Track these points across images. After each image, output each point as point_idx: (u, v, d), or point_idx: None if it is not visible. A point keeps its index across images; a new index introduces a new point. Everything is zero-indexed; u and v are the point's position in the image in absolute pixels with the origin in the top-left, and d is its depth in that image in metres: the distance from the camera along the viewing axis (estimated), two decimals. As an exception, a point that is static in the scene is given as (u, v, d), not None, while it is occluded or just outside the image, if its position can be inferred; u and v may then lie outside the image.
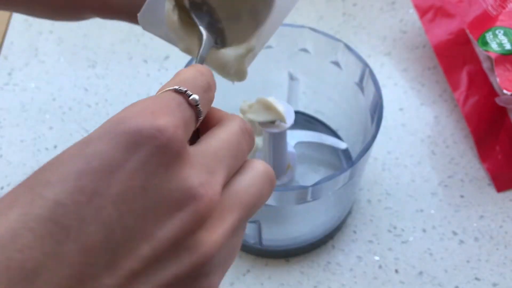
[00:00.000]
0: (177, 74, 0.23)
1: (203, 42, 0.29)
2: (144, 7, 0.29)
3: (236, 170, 0.22)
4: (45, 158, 0.52)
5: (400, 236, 0.46)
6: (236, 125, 0.22)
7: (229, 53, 0.32)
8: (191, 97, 0.21)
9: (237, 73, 0.33)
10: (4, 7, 0.32)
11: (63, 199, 0.17)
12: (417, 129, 0.53)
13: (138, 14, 0.29)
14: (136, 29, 0.60)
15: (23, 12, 0.33)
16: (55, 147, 0.53)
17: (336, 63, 0.44)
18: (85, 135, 0.57)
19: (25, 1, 0.32)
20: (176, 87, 0.21)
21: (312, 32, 0.43)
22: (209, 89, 0.23)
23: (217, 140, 0.21)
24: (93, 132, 0.19)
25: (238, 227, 0.21)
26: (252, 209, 0.22)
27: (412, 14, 0.62)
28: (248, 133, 0.23)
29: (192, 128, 0.21)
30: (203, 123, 0.23)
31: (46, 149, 0.53)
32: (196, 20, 0.30)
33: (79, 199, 0.17)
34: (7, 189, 0.50)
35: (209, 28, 0.31)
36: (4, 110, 0.56)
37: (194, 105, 0.21)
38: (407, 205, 0.48)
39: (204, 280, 0.20)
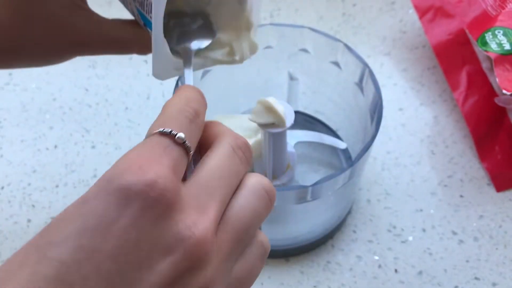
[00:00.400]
0: (163, 108, 0.23)
1: (187, 57, 0.30)
2: (153, 64, 0.30)
3: (232, 193, 0.23)
4: (45, 158, 0.52)
5: (399, 235, 0.46)
6: (226, 146, 0.23)
7: (231, 39, 0.33)
8: (176, 137, 0.22)
9: (250, 48, 0.34)
10: None
11: (65, 258, 0.18)
12: (416, 129, 0.53)
13: (152, 74, 0.30)
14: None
15: (5, 67, 0.34)
16: (56, 147, 0.53)
17: (336, 63, 0.44)
18: (86, 135, 0.58)
19: (6, 60, 0.32)
20: (161, 129, 0.22)
21: (312, 32, 0.43)
22: (196, 117, 0.23)
23: (208, 171, 0.22)
24: (89, 190, 0.20)
25: (237, 253, 0.22)
26: (249, 229, 0.23)
27: (411, 15, 0.62)
28: (242, 149, 0.23)
29: (183, 165, 0.22)
30: (199, 144, 0.24)
31: (47, 149, 0.53)
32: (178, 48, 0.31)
33: (79, 257, 0.19)
34: (7, 189, 0.50)
35: (194, 26, 0.32)
36: (5, 110, 0.56)
37: (181, 144, 0.22)
38: (407, 205, 0.48)
39: None
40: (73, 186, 0.50)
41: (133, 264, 0.19)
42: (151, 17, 0.29)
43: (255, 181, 0.23)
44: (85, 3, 0.33)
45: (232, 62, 0.34)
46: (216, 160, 0.22)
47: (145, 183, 0.19)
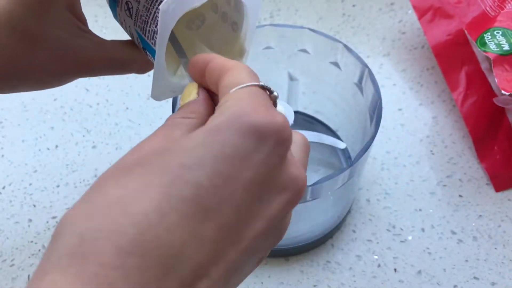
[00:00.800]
0: (235, 67, 0.24)
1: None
2: (152, 88, 0.30)
3: None
4: (46, 158, 0.52)
5: (399, 235, 0.47)
6: (303, 140, 0.26)
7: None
8: (273, 94, 0.24)
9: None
10: None
11: (203, 181, 0.19)
12: (416, 129, 0.53)
13: (151, 96, 0.31)
14: (137, 29, 0.60)
15: (7, 92, 0.34)
16: (56, 147, 0.53)
17: (336, 64, 0.44)
18: (86, 135, 0.58)
19: (8, 85, 0.32)
20: (261, 83, 0.23)
21: (312, 33, 0.43)
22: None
23: (296, 143, 0.25)
24: (216, 120, 0.21)
25: None
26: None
27: (411, 15, 0.62)
28: (307, 149, 0.26)
29: None
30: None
31: (48, 149, 0.53)
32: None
33: (217, 182, 0.19)
34: (8, 189, 0.50)
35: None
36: (6, 110, 0.56)
37: (274, 101, 0.24)
38: (406, 205, 0.48)
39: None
40: (74, 186, 0.50)
41: (259, 197, 0.21)
42: (153, 43, 0.30)
43: (299, 139, 0.26)
44: (86, 25, 0.34)
45: None
46: (301, 140, 0.26)
47: (280, 123, 0.21)
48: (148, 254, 0.18)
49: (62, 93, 0.57)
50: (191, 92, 0.25)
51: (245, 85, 0.23)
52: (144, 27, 0.31)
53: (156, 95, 0.31)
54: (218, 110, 0.22)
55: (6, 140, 0.54)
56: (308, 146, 0.26)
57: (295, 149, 0.24)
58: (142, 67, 0.35)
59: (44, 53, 0.31)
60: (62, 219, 0.19)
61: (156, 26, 0.29)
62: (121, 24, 0.34)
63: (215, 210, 0.19)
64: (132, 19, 0.31)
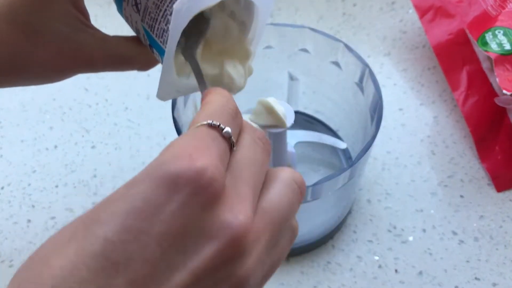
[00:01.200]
0: (206, 103, 0.24)
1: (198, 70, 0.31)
2: (159, 88, 0.30)
3: (262, 183, 0.23)
4: (45, 158, 0.52)
5: (400, 236, 0.46)
6: (248, 138, 0.24)
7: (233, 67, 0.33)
8: (224, 131, 0.22)
9: (247, 73, 0.35)
10: None
11: (111, 237, 0.19)
12: (416, 129, 0.53)
13: (157, 96, 0.31)
14: (136, 29, 0.60)
15: (6, 86, 0.34)
16: (56, 147, 0.53)
17: (336, 63, 0.44)
18: (86, 135, 0.58)
19: (8, 79, 0.32)
20: (209, 121, 0.22)
21: (312, 32, 0.43)
22: (236, 115, 0.24)
23: (238, 161, 0.23)
24: (138, 174, 0.20)
25: (274, 243, 0.23)
26: (284, 222, 0.23)
27: (412, 14, 0.62)
28: (262, 140, 0.24)
29: (227, 159, 0.22)
30: None
31: (46, 149, 0.53)
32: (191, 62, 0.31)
33: (126, 237, 0.19)
34: (7, 189, 0.50)
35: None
36: (5, 110, 0.56)
37: (227, 138, 0.22)
38: (407, 205, 0.48)
39: None
40: (73, 186, 0.50)
41: (178, 249, 0.20)
42: (161, 42, 0.30)
43: (287, 174, 0.24)
44: (89, 20, 0.33)
45: (229, 87, 0.34)
46: (243, 151, 0.23)
47: (195, 170, 0.20)
48: None
49: (61, 93, 0.57)
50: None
51: (195, 125, 0.22)
52: (152, 24, 0.30)
53: (162, 95, 0.31)
54: None
55: (5, 140, 0.54)
56: (298, 184, 0.24)
57: (279, 186, 0.23)
58: (145, 64, 0.35)
59: (45, 47, 0.31)
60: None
61: (166, 25, 0.29)
62: (126, 19, 0.33)
63: (125, 265, 0.19)
64: (139, 15, 0.31)
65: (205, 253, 0.20)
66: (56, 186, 0.50)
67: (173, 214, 0.19)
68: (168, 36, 0.28)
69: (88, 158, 0.52)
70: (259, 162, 0.23)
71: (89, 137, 0.53)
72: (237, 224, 0.20)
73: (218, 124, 0.22)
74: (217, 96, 0.24)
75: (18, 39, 0.30)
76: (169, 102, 0.54)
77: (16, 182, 0.51)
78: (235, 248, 0.20)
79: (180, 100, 0.41)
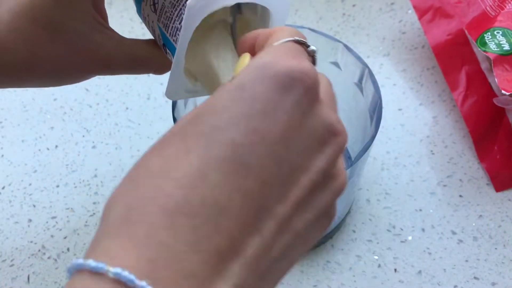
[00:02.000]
0: (280, 30, 0.24)
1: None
2: (168, 85, 0.31)
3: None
4: (46, 158, 0.52)
5: (399, 235, 0.46)
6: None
7: None
8: (309, 48, 0.23)
9: None
10: (6, 85, 0.32)
11: (240, 140, 0.19)
12: (416, 129, 0.53)
13: (165, 94, 0.31)
14: (137, 29, 0.60)
15: (21, 86, 0.33)
16: (56, 147, 0.53)
17: (336, 64, 0.44)
18: (86, 135, 0.58)
19: (21, 77, 0.32)
20: (296, 38, 0.23)
21: (312, 33, 0.43)
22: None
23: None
24: (240, 77, 0.20)
25: None
26: None
27: (411, 15, 0.62)
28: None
29: None
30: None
31: (47, 149, 0.53)
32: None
33: (253, 139, 0.19)
34: (8, 189, 0.50)
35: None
36: (5, 110, 0.56)
37: (311, 55, 0.23)
38: (406, 205, 0.48)
39: (334, 205, 0.23)
40: (73, 186, 0.50)
41: (298, 150, 0.20)
42: (174, 40, 0.30)
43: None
44: (107, 22, 0.34)
45: None
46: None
47: (305, 71, 0.20)
48: (196, 213, 0.18)
49: (62, 93, 0.57)
50: (245, 62, 0.25)
51: (280, 41, 0.22)
52: (167, 23, 0.30)
53: (171, 93, 0.31)
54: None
55: (6, 140, 0.54)
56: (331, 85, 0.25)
57: (323, 90, 0.24)
58: (160, 66, 0.35)
59: (63, 46, 0.31)
60: (109, 197, 0.20)
61: (180, 23, 0.29)
62: (144, 19, 0.34)
63: (257, 166, 0.19)
64: (156, 14, 0.31)
65: (319, 159, 0.21)
66: (57, 186, 0.50)
67: (290, 113, 0.20)
68: (180, 34, 0.28)
69: (88, 158, 0.52)
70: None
71: (90, 137, 0.54)
72: (341, 129, 0.22)
73: (304, 41, 0.23)
74: (286, 27, 0.25)
75: (37, 36, 0.30)
76: (170, 102, 0.54)
77: (17, 182, 0.51)
78: (339, 153, 0.22)
79: (180, 100, 0.41)
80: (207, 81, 0.32)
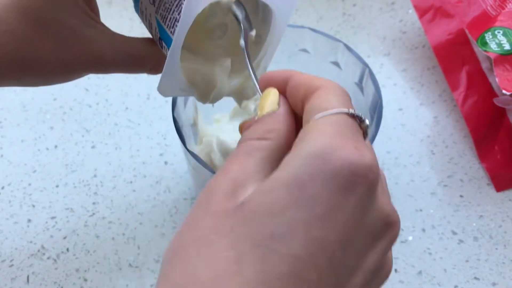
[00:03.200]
0: (325, 89, 0.22)
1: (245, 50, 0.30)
2: (161, 80, 0.29)
3: None
4: (45, 158, 0.52)
5: (399, 235, 0.46)
6: None
7: (240, 82, 0.32)
8: (363, 123, 0.21)
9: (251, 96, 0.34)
10: None
11: (299, 253, 0.17)
12: (416, 129, 0.53)
13: (157, 89, 0.30)
14: (136, 29, 0.60)
15: (14, 85, 0.32)
16: (56, 147, 0.53)
17: (336, 63, 0.44)
18: (86, 135, 0.57)
19: (13, 74, 0.31)
20: (351, 111, 0.21)
21: (312, 33, 0.43)
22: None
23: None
24: (295, 168, 0.18)
25: None
26: None
27: (411, 14, 0.62)
28: None
29: None
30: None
31: (47, 149, 0.53)
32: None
33: (313, 249, 0.17)
34: (7, 189, 0.50)
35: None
36: (5, 109, 0.56)
37: (364, 130, 0.21)
38: (407, 205, 0.48)
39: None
40: (73, 186, 0.50)
41: (355, 250, 0.19)
42: (171, 32, 0.29)
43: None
44: (98, 16, 0.33)
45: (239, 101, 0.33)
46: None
47: (366, 165, 0.19)
48: None
49: (61, 93, 0.57)
50: (272, 101, 0.22)
51: (331, 112, 0.20)
52: (166, 14, 0.30)
53: (164, 89, 0.30)
54: (298, 145, 0.19)
55: (5, 140, 0.54)
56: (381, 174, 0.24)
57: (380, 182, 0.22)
58: (156, 65, 0.34)
59: (53, 40, 0.30)
60: None
61: (179, 14, 0.28)
62: (141, 14, 0.33)
63: (317, 281, 0.17)
64: (154, 6, 0.30)
65: (374, 255, 0.20)
66: (57, 186, 0.50)
67: (351, 215, 0.18)
68: (178, 23, 0.27)
69: (88, 158, 0.52)
70: None
71: (89, 137, 0.53)
72: (397, 220, 0.21)
73: (359, 115, 0.21)
74: (334, 85, 0.22)
75: (26, 29, 0.29)
76: (169, 102, 0.54)
77: (17, 182, 0.51)
78: (392, 244, 0.21)
79: (180, 100, 0.41)
80: (201, 83, 0.32)
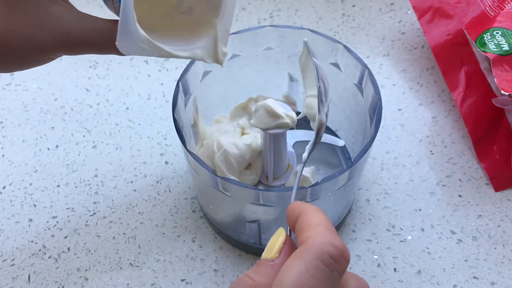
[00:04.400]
0: (318, 225, 0.26)
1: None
2: (118, 35, 0.29)
3: None
4: (46, 158, 0.52)
5: (398, 235, 0.47)
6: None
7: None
8: (337, 269, 0.25)
9: (214, 57, 0.36)
10: None
11: None
12: (415, 129, 0.53)
13: (117, 45, 0.30)
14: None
15: None
16: (57, 147, 0.53)
17: (336, 65, 0.44)
18: (87, 135, 0.58)
19: None
20: (332, 252, 0.25)
21: (312, 34, 0.43)
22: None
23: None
24: None
25: None
26: None
27: (410, 15, 0.62)
28: (335, 258, 0.25)
29: None
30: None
31: (48, 149, 0.53)
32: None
33: None
34: (9, 189, 0.50)
35: None
36: (6, 110, 0.56)
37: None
38: (406, 205, 0.48)
39: None
40: (74, 186, 0.50)
41: None
42: None
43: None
44: None
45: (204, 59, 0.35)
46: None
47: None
48: None
49: (62, 93, 0.57)
50: (277, 249, 0.27)
51: (314, 250, 0.24)
52: None
53: (123, 46, 0.30)
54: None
55: (7, 140, 0.54)
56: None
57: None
58: None
59: (22, 17, 0.31)
60: None
61: None
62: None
63: None
64: None
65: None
66: (58, 186, 0.50)
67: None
68: None
69: (89, 158, 0.52)
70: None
71: (90, 137, 0.54)
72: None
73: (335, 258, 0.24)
74: (321, 214, 0.27)
75: None
76: (170, 102, 0.55)
77: (18, 182, 0.51)
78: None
79: (180, 101, 0.41)
80: (167, 31, 0.32)
